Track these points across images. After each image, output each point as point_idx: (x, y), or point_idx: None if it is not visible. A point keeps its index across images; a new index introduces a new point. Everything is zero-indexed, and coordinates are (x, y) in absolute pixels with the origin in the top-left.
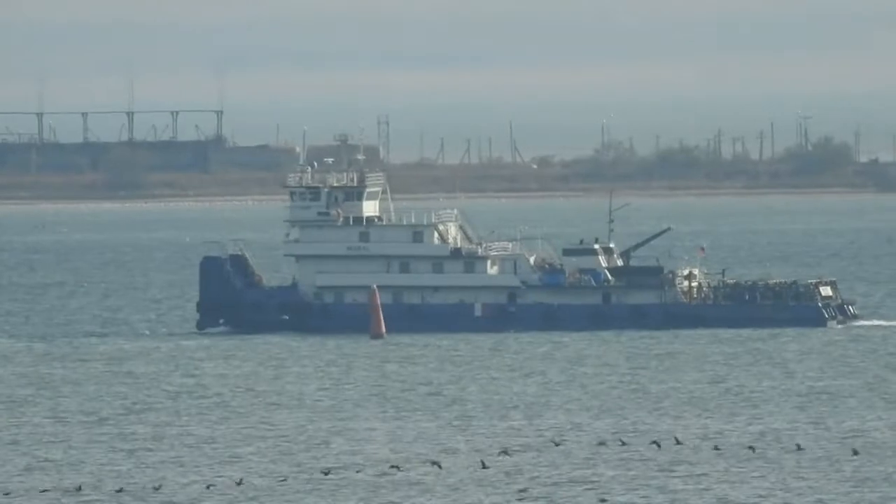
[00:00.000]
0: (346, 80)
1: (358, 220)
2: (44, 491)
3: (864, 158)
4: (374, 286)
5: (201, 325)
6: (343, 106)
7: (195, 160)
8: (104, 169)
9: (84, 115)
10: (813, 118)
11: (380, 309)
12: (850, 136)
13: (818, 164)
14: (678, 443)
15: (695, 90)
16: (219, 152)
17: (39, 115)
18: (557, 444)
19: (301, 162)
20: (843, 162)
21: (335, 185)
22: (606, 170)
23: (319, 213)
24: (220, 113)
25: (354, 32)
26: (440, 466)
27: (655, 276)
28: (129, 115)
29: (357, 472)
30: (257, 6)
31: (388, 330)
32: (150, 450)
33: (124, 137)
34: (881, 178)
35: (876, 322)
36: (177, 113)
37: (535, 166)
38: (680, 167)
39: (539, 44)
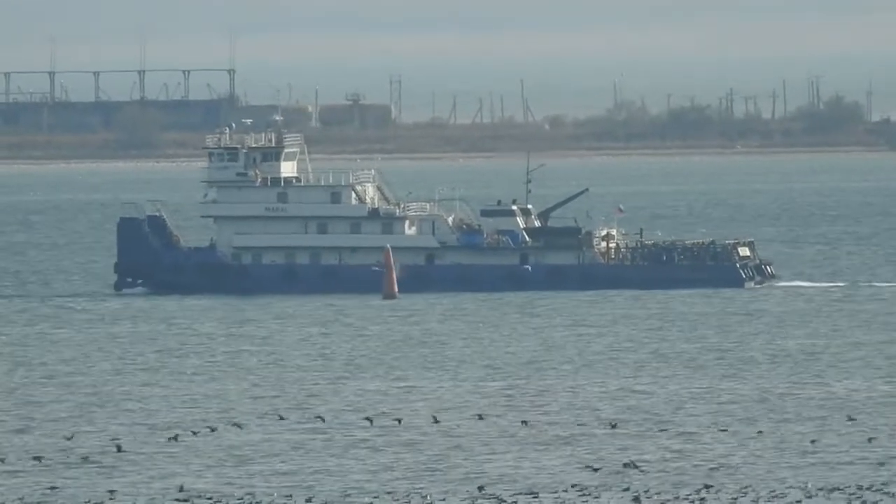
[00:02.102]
0: (359, 42)
1: (276, 180)
2: None
3: (875, 117)
4: (388, 246)
5: (118, 287)
6: (355, 67)
7: (207, 119)
8: (116, 128)
9: (96, 74)
10: (825, 77)
11: (393, 269)
12: (861, 96)
13: (830, 123)
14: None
15: (707, 51)
16: (231, 112)
17: (51, 75)
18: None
19: (314, 122)
20: (854, 121)
21: (253, 145)
22: (619, 129)
23: (237, 174)
24: (232, 72)
25: None
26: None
27: (573, 237)
28: (141, 74)
29: None
30: None
31: (305, 291)
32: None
33: (136, 97)
34: (893, 136)
35: (795, 283)
36: (188, 72)
37: (547, 126)
38: (692, 126)
39: (551, 4)
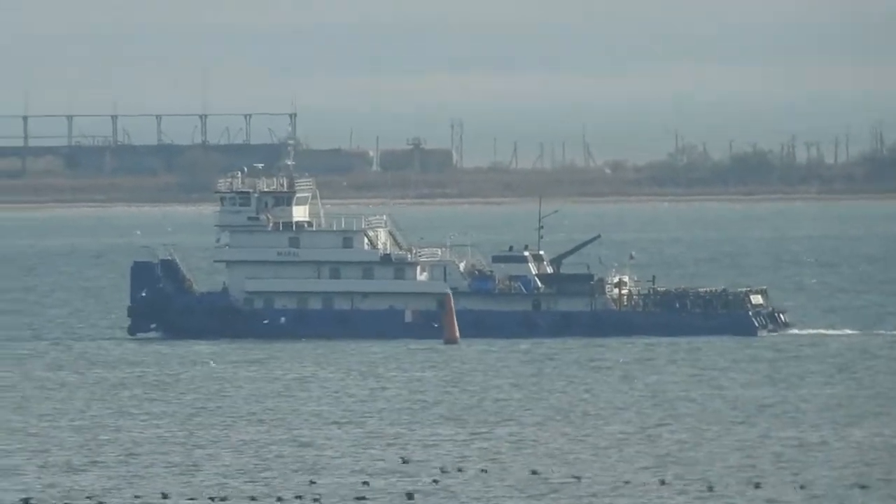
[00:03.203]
0: (420, 85)
1: (288, 225)
2: None
3: None
4: (449, 292)
5: (132, 330)
6: (417, 111)
7: (268, 164)
8: (178, 171)
9: (158, 117)
10: (889, 122)
11: (454, 314)
12: None
13: (894, 169)
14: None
15: (768, 95)
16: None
17: (114, 118)
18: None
19: (374, 166)
20: None
21: (265, 189)
22: (680, 174)
23: (249, 218)
24: (293, 116)
25: (429, 37)
26: None
27: (585, 284)
28: (203, 118)
29: None
30: (333, 12)
31: (317, 336)
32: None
33: (197, 140)
34: None
35: (809, 331)
36: (250, 116)
37: (608, 170)
38: (754, 172)
39: (612, 48)
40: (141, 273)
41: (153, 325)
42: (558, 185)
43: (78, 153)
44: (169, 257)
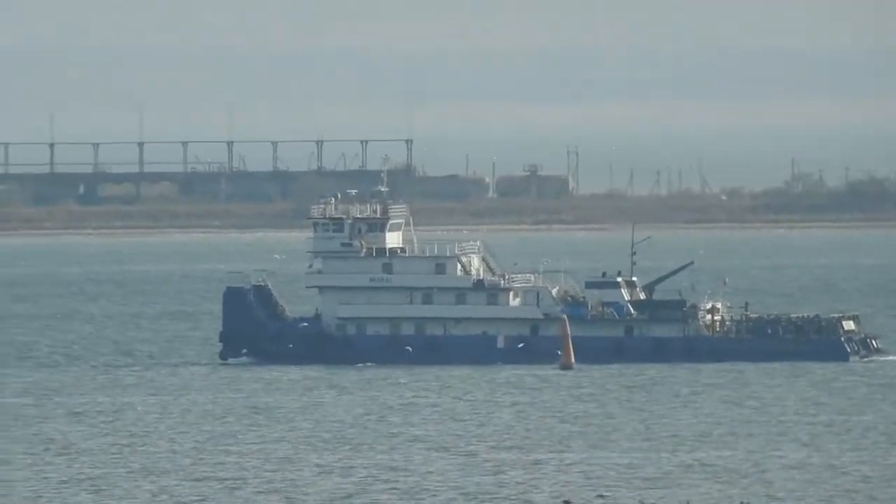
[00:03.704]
0: (536, 112)
1: (381, 251)
2: None
3: None
4: (565, 317)
5: (224, 356)
6: (533, 137)
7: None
8: (293, 198)
9: (274, 143)
10: None
11: (570, 339)
12: None
13: None
14: None
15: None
16: (408, 182)
17: (230, 144)
18: None
19: (491, 192)
20: None
21: (358, 216)
22: (796, 201)
23: (342, 245)
24: (409, 142)
25: (544, 64)
26: None
27: (678, 310)
28: (319, 144)
29: None
30: (448, 38)
31: (409, 362)
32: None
33: (313, 166)
34: None
35: None
36: (366, 142)
37: (724, 197)
38: (871, 199)
39: (729, 75)
40: (233, 299)
41: (244, 351)
42: (674, 212)
43: (193, 179)
44: (261, 283)
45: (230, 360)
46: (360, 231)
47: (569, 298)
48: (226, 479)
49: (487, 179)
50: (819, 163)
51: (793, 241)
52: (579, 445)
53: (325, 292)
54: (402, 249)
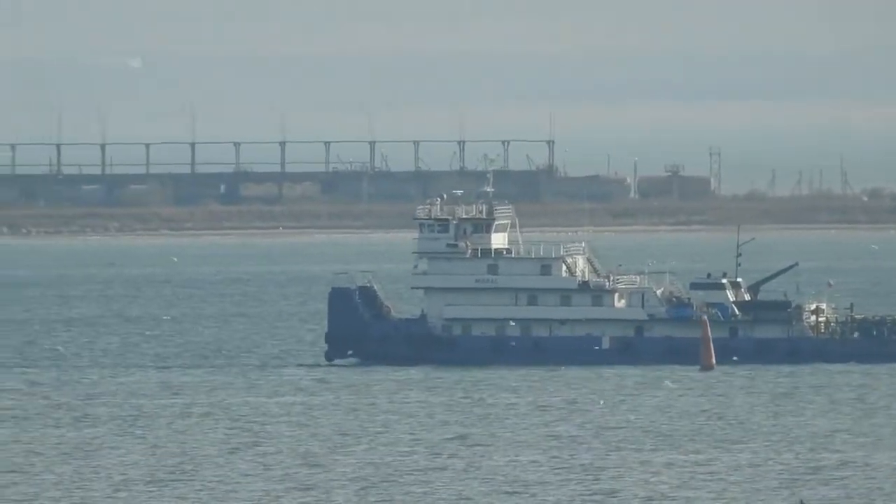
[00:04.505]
0: (678, 112)
1: (486, 252)
2: None
3: None
4: (705, 317)
5: (329, 357)
6: (674, 137)
7: (526, 190)
8: (434, 198)
9: (416, 143)
10: None
11: (710, 340)
12: None
13: None
14: None
15: None
16: (550, 182)
17: (372, 144)
18: None
19: (632, 193)
20: None
21: (464, 217)
22: None
23: (448, 245)
24: (551, 143)
25: (687, 65)
26: None
27: (782, 311)
28: (461, 144)
29: None
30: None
31: (515, 363)
32: None
33: (455, 167)
34: None
35: None
36: (508, 142)
37: (865, 198)
38: None
39: (874, 74)
40: (339, 299)
41: (350, 352)
42: (814, 213)
43: (335, 179)
44: (367, 284)
45: (336, 362)
46: (465, 232)
47: (673, 299)
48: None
49: (629, 180)
50: None
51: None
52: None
53: (431, 293)
54: (508, 250)
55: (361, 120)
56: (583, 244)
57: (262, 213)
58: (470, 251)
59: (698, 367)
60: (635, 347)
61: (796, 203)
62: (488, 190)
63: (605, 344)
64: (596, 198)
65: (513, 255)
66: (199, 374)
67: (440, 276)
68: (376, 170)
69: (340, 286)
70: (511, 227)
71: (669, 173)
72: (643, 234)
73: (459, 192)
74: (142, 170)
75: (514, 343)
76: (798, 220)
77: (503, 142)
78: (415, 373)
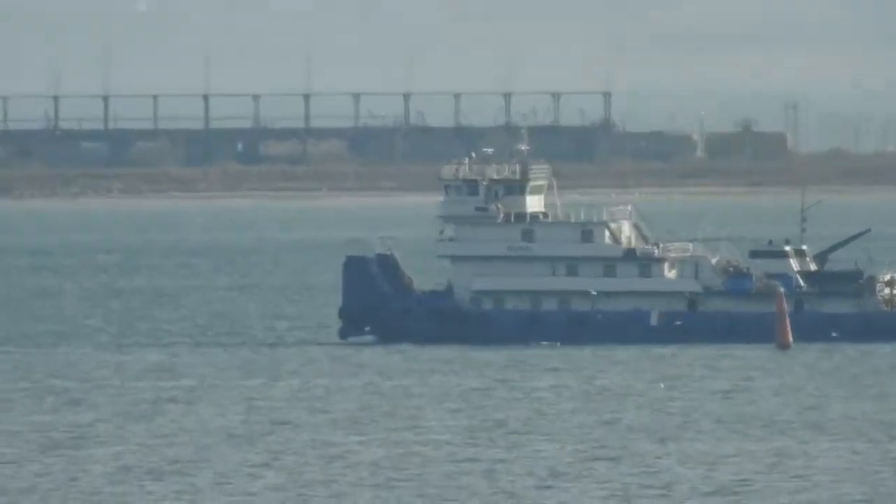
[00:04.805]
0: (750, 63)
1: (520, 216)
2: None
3: None
4: (781, 290)
5: (344, 334)
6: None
7: (579, 148)
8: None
9: (456, 96)
10: None
11: (786, 315)
12: None
13: None
14: None
15: None
16: (606, 139)
17: (406, 96)
18: None
19: (699, 151)
20: None
21: (495, 177)
22: None
23: (477, 209)
24: (608, 95)
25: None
26: None
27: (853, 283)
28: (506, 96)
29: None
30: None
31: (551, 340)
32: None
33: (500, 122)
34: None
35: None
36: (559, 95)
37: None
38: None
39: None
40: (354, 270)
41: (367, 329)
42: None
43: (365, 135)
44: (386, 252)
45: (350, 340)
46: (496, 194)
47: (730, 270)
48: None
49: (695, 136)
50: None
51: None
52: None
53: (458, 262)
54: (545, 214)
55: (395, 72)
56: (629, 207)
57: (284, 174)
58: (502, 215)
59: (773, 345)
60: (688, 323)
61: (881, 161)
62: (523, 148)
63: (654, 320)
64: (659, 157)
65: (549, 220)
66: (204, 354)
67: (468, 243)
68: (411, 125)
69: (356, 254)
70: (549, 189)
71: (741, 129)
72: (711, 196)
73: (490, 150)
74: (149, 125)
75: (552, 319)
76: (885, 180)
77: (553, 94)
78: (442, 352)
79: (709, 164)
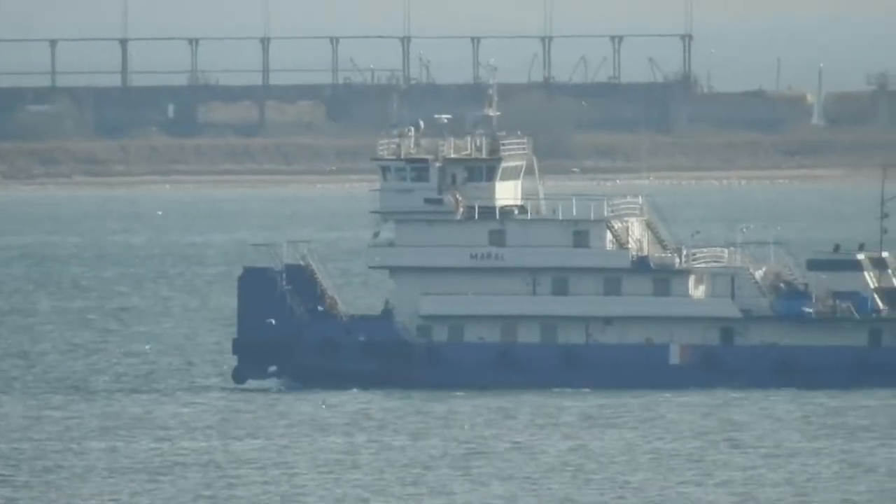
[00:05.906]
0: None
1: (487, 211)
2: None
3: None
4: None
5: (239, 376)
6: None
7: (648, 114)
8: (509, 123)
9: (474, 40)
10: None
11: None
12: None
13: None
14: None
15: None
16: (686, 100)
17: (405, 40)
18: None
19: (815, 118)
20: None
21: (452, 156)
22: None
23: (427, 201)
24: (687, 38)
25: None
26: None
27: None
28: (545, 40)
29: None
30: None
31: (530, 385)
32: None
33: (537, 78)
34: None
35: None
36: (619, 38)
37: None
38: None
39: None
40: (254, 286)
41: (272, 368)
42: None
43: (347, 95)
44: (299, 262)
45: (249, 384)
46: (454, 180)
47: (782, 286)
48: None
49: (811, 98)
50: None
51: None
52: None
53: (400, 276)
54: (522, 209)
55: (389, 5)
56: (639, 200)
57: (234, 150)
58: (461, 210)
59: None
60: (721, 361)
61: None
62: (490, 114)
63: (674, 357)
64: (759, 125)
65: (529, 217)
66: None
67: (415, 248)
68: (412, 82)
69: (257, 265)
70: (528, 173)
71: (873, 87)
72: (832, 180)
73: (445, 117)
74: (45, 81)
75: (530, 355)
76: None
77: (611, 37)
78: (372, 400)
79: (827, 136)
